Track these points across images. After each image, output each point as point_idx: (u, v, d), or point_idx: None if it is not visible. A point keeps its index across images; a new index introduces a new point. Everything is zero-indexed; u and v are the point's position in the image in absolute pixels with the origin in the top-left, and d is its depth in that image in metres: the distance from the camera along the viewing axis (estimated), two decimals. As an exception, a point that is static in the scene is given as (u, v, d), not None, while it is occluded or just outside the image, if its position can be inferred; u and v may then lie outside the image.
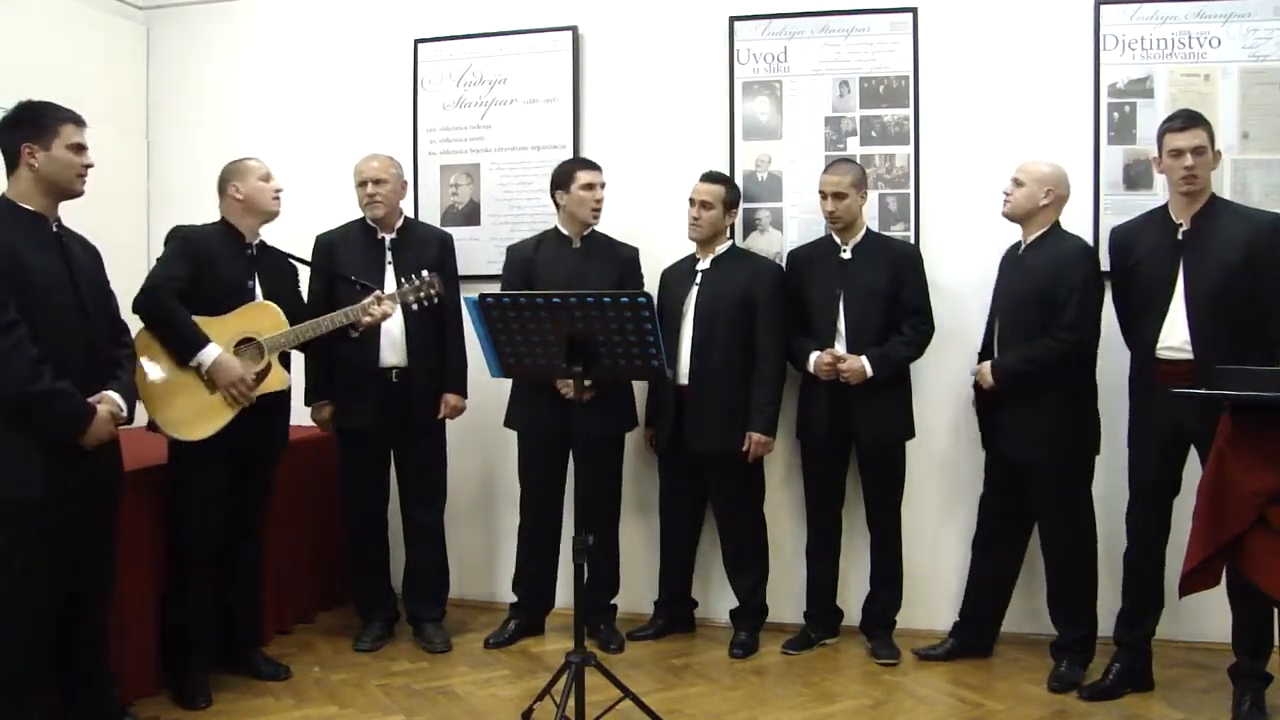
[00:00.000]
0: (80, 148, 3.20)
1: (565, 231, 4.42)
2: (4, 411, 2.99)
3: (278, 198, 3.95)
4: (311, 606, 4.76)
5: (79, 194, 3.24)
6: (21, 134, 3.12)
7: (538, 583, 4.54)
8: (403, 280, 4.12)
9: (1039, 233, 3.94)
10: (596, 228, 4.45)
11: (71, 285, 3.17)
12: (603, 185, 4.36)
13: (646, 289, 4.34)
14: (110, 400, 3.19)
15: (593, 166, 4.41)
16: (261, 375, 3.74)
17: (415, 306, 4.07)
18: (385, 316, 3.99)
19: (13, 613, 3.02)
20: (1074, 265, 3.84)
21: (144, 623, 3.73)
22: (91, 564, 3.27)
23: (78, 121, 3.21)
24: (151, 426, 3.65)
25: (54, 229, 3.20)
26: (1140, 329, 3.71)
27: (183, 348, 3.62)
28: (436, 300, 4.09)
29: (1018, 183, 3.92)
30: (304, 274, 4.18)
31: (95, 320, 3.24)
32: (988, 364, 3.93)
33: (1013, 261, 4.02)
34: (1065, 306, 3.81)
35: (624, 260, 4.42)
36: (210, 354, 3.63)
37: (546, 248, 4.44)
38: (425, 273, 4.07)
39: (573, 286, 4.03)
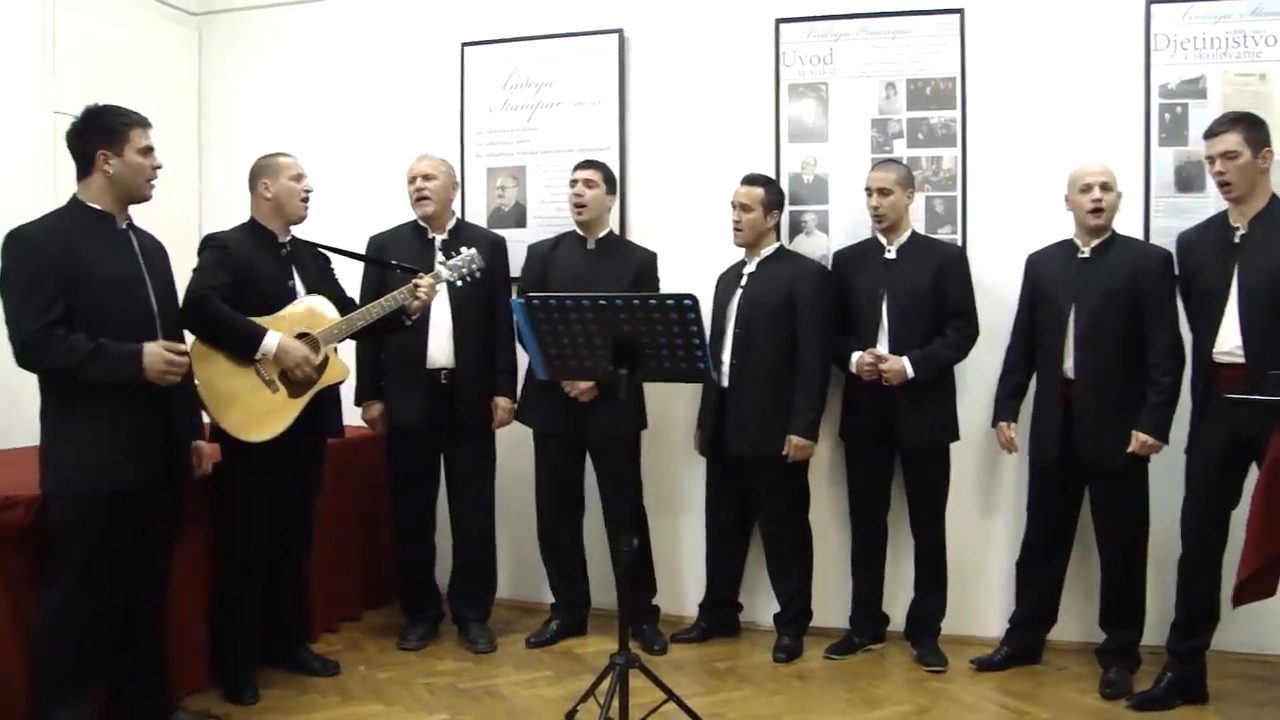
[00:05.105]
0: (149, 150, 3.24)
1: (581, 232, 4.45)
2: (76, 407, 3.07)
3: (306, 200, 3.91)
4: (358, 605, 4.79)
5: (148, 199, 3.28)
6: (94, 140, 3.16)
7: (567, 583, 4.57)
8: (444, 260, 4.11)
9: (1108, 235, 3.92)
10: (615, 229, 4.53)
11: (143, 282, 3.23)
12: (585, 182, 4.37)
13: (686, 288, 4.29)
14: (158, 343, 3.16)
15: (578, 165, 4.46)
16: (320, 367, 3.78)
17: (459, 283, 4.07)
18: (432, 295, 3.97)
19: (72, 610, 3.08)
20: (1162, 273, 3.82)
21: (195, 619, 3.77)
22: (153, 561, 3.33)
23: (145, 124, 3.25)
24: (214, 434, 3.68)
25: (123, 227, 3.25)
26: (1198, 334, 3.68)
27: (243, 344, 3.61)
28: (479, 274, 4.09)
29: (1108, 188, 3.87)
30: (336, 262, 4.15)
31: (164, 317, 3.29)
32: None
33: (1074, 264, 3.93)
34: (1152, 314, 3.79)
35: (640, 264, 4.42)
36: (273, 340, 3.63)
37: (563, 248, 4.48)
38: (464, 249, 4.08)
39: (587, 287, 4.04)
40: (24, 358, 3.02)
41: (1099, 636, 4.05)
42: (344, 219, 4.73)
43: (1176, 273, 3.82)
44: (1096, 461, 3.87)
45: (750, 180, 4.32)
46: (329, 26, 5.32)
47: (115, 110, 3.22)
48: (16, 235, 3.06)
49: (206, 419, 3.63)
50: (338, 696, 3.88)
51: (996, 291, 4.27)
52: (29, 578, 3.16)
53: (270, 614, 4.00)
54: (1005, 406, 4.14)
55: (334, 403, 3.99)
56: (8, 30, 4.43)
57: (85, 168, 3.19)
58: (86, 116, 3.20)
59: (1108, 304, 3.83)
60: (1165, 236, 4.06)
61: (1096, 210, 3.87)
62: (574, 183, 4.40)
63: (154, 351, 3.10)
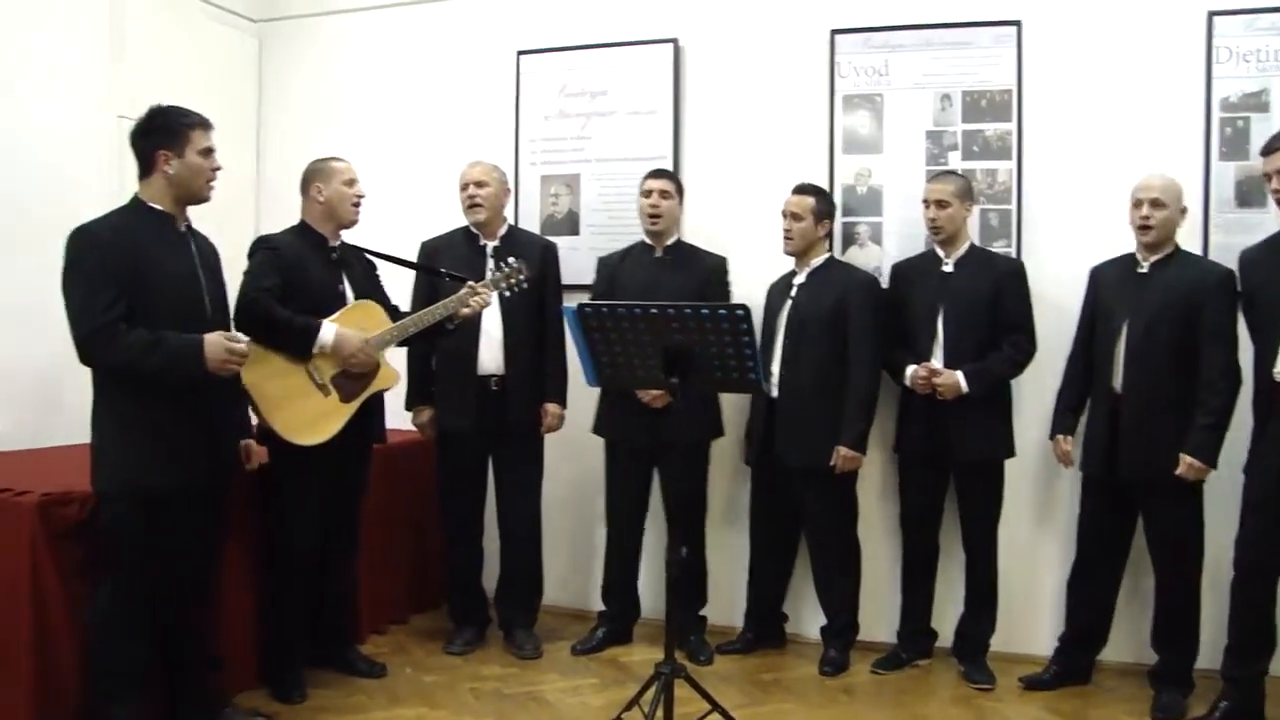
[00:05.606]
0: (209, 151, 3.27)
1: (649, 241, 4.45)
2: (131, 407, 3.11)
3: (357, 205, 3.95)
4: (406, 608, 4.83)
5: (207, 200, 3.32)
6: (156, 140, 3.20)
7: (624, 591, 4.57)
8: (494, 270, 4.15)
9: (1168, 251, 3.85)
10: (692, 236, 4.50)
11: (199, 283, 3.28)
12: (661, 193, 4.37)
13: (738, 298, 4.34)
14: (218, 333, 3.19)
15: (651, 175, 4.45)
16: (372, 373, 3.81)
17: (508, 293, 4.10)
18: (483, 306, 4.01)
19: (125, 609, 3.14)
20: (1221, 292, 3.74)
21: (245, 619, 3.82)
22: (202, 560, 3.38)
23: (206, 125, 3.28)
24: (262, 437, 3.72)
25: (182, 229, 3.29)
26: (1260, 352, 3.61)
27: (300, 339, 3.65)
28: (526, 284, 4.11)
29: (1159, 204, 3.79)
30: (383, 268, 4.19)
31: (216, 321, 3.33)
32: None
33: (1132, 279, 3.88)
34: (1209, 333, 3.71)
35: (709, 269, 4.42)
36: (329, 331, 3.67)
37: (631, 258, 4.49)
38: (512, 259, 4.11)
39: (650, 296, 4.05)
40: (86, 353, 3.06)
41: (1151, 658, 3.99)
42: (400, 224, 4.78)
43: (1239, 290, 3.75)
44: (1142, 479, 3.80)
45: (801, 189, 4.31)
46: (387, 34, 5.38)
47: (177, 111, 3.26)
48: (81, 232, 3.10)
49: (255, 420, 3.67)
50: (385, 698, 3.91)
51: (1050, 306, 4.23)
52: (83, 575, 3.21)
53: (318, 615, 4.04)
54: (1063, 419, 4.10)
55: (379, 408, 4.01)
56: (75, 37, 4.52)
57: (147, 167, 3.22)
58: (149, 116, 3.24)
59: (1161, 320, 3.77)
60: (1225, 252, 3.98)
61: (1144, 227, 3.83)
62: (648, 193, 4.39)
63: (215, 341, 3.13)
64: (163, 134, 3.20)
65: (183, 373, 3.11)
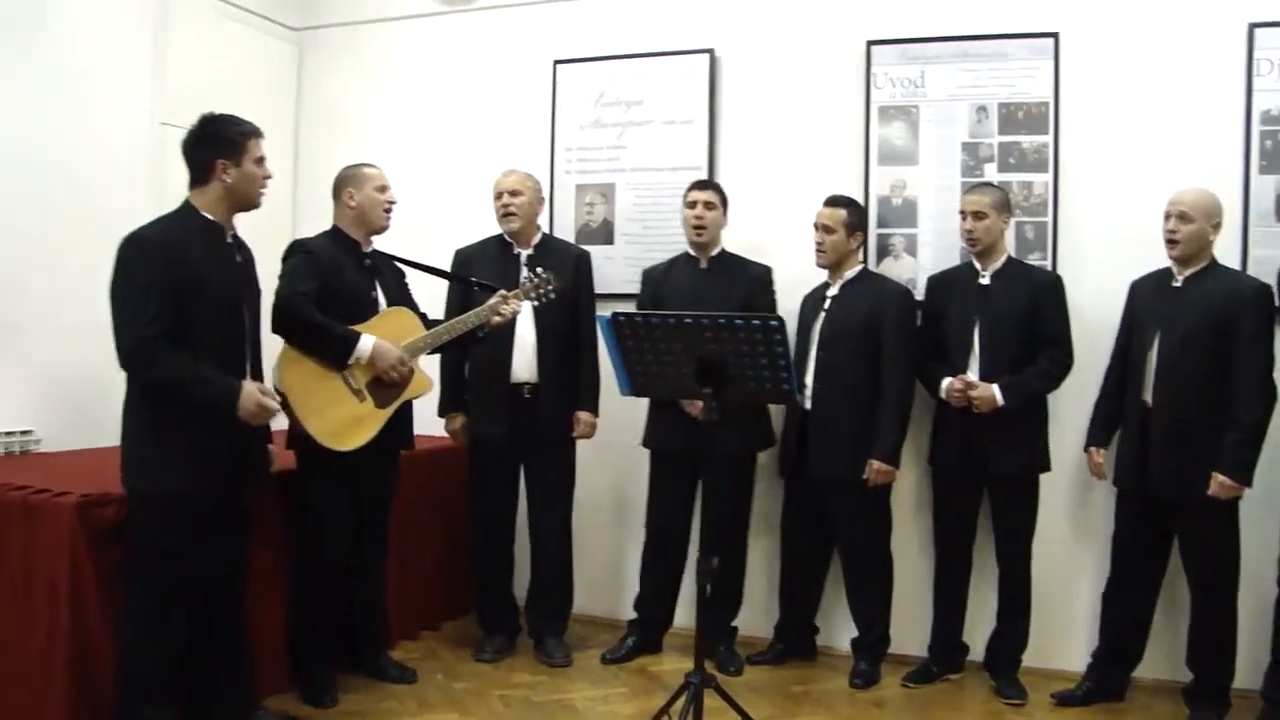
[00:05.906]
0: (262, 159, 3.31)
1: (693, 252, 4.45)
2: (159, 411, 3.14)
3: (389, 211, 3.98)
4: (438, 615, 4.85)
5: (258, 206, 3.36)
6: (214, 149, 3.22)
7: (659, 602, 4.56)
8: (526, 279, 4.17)
9: (1203, 265, 3.81)
10: (727, 247, 4.49)
11: (241, 297, 3.31)
12: (706, 204, 4.37)
13: (781, 308, 4.35)
14: (254, 385, 3.25)
15: (696, 186, 4.45)
16: (406, 379, 3.83)
17: (537, 302, 4.12)
18: (514, 314, 4.03)
19: (154, 610, 3.17)
20: (1257, 306, 3.70)
21: (276, 622, 3.84)
22: (231, 562, 3.40)
23: (259, 134, 3.32)
24: (291, 442, 3.75)
25: (230, 239, 3.32)
26: None
27: (337, 348, 3.67)
28: (554, 294, 4.14)
29: (1185, 218, 3.75)
30: (411, 276, 4.20)
31: (252, 333, 3.38)
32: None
33: (1165, 292, 3.85)
34: (1242, 348, 3.67)
35: (753, 279, 4.42)
36: (367, 343, 3.69)
37: (675, 269, 4.49)
38: (541, 269, 4.13)
39: (695, 306, 4.05)
40: (129, 363, 3.09)
41: (1187, 675, 3.94)
42: (435, 232, 4.81)
43: (1277, 304, 3.70)
44: (1174, 495, 3.76)
45: (832, 201, 4.30)
46: (426, 43, 5.43)
47: (231, 119, 3.28)
48: (136, 240, 3.13)
49: (287, 424, 3.68)
50: (415, 704, 3.93)
51: (1087, 319, 4.19)
52: (121, 575, 3.24)
53: (349, 620, 4.06)
54: (1097, 432, 4.07)
55: (407, 415, 4.02)
56: (118, 44, 4.58)
57: (203, 176, 3.24)
58: (203, 125, 3.26)
59: (1193, 334, 3.73)
60: (1264, 266, 3.95)
61: (1170, 241, 3.80)
62: (693, 204, 4.39)
63: (250, 393, 3.17)
64: (220, 143, 3.23)
65: (213, 411, 3.15)
